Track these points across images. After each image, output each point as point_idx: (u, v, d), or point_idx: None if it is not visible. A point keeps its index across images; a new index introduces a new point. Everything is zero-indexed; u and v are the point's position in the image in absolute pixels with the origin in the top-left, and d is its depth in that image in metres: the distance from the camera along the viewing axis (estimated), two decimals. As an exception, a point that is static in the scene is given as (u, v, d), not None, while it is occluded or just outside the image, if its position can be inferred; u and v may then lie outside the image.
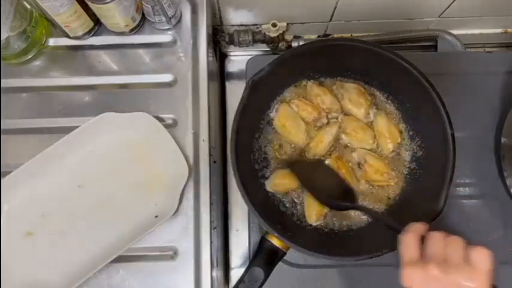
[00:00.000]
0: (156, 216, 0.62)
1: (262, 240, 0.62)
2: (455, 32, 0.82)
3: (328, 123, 0.67)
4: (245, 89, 0.59)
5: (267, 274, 0.60)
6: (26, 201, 0.62)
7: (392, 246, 0.53)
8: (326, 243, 0.62)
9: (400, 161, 0.66)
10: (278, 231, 0.57)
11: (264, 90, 0.62)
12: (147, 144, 0.64)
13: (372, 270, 0.68)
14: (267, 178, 0.65)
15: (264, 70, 0.59)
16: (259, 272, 0.60)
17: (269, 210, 0.62)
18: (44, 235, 0.62)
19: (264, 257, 0.61)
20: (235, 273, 0.73)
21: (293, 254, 0.66)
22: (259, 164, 0.66)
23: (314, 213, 0.63)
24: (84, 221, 0.62)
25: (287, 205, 0.65)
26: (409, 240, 0.46)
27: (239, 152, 0.58)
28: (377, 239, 0.60)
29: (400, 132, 0.66)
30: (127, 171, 0.64)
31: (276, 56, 0.61)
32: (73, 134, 0.62)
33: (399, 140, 0.66)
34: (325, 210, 0.63)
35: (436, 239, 0.44)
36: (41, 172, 0.62)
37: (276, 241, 0.61)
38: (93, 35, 0.68)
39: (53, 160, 0.62)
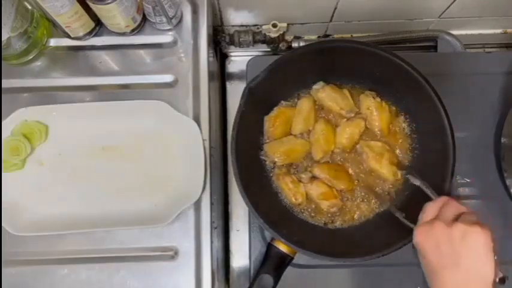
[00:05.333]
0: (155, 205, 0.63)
1: (269, 247, 0.62)
2: (455, 32, 0.82)
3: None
4: (242, 96, 0.60)
5: (276, 280, 0.61)
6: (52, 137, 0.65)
7: (399, 243, 0.54)
8: (333, 243, 0.62)
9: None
10: (285, 237, 0.57)
11: (263, 94, 0.62)
12: (182, 152, 0.64)
13: (374, 270, 0.68)
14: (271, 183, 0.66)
15: (259, 76, 0.60)
16: (268, 279, 0.60)
17: (274, 213, 0.62)
18: (54, 171, 0.64)
19: (272, 263, 0.61)
20: (236, 274, 0.73)
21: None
22: (262, 168, 0.66)
23: (320, 150, 0.65)
24: (92, 181, 0.64)
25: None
26: (428, 208, 0.50)
27: (240, 160, 0.58)
28: (384, 236, 0.60)
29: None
30: (150, 161, 0.64)
31: (275, 57, 0.61)
32: (125, 103, 0.64)
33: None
34: (331, 149, 0.66)
35: (450, 205, 0.48)
36: (78, 117, 0.64)
37: (283, 246, 0.61)
38: (94, 36, 0.68)
39: (94, 113, 0.64)
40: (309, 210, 0.65)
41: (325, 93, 0.66)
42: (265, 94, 0.63)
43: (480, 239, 0.43)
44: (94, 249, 0.62)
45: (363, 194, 0.66)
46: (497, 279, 0.44)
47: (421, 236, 0.47)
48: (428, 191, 0.54)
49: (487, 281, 0.43)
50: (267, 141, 0.67)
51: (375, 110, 0.66)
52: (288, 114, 0.67)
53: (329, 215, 0.65)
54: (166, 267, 0.61)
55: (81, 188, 0.64)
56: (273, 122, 0.66)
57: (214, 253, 0.63)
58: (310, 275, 0.67)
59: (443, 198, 0.50)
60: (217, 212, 0.69)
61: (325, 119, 0.68)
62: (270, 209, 0.61)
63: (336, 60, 0.64)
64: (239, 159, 0.58)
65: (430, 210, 0.49)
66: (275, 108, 0.67)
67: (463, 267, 0.43)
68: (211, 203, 0.63)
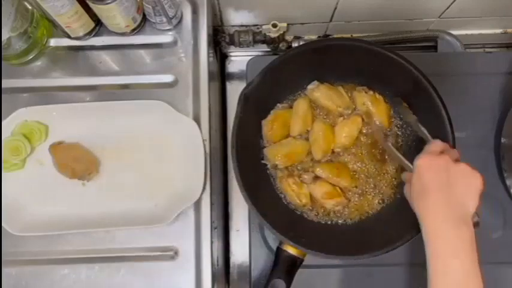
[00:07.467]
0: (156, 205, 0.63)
1: (278, 251, 0.62)
2: (455, 32, 0.82)
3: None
4: (238, 103, 0.60)
5: (288, 284, 0.60)
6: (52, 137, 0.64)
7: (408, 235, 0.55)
8: (343, 242, 0.62)
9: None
10: (294, 240, 0.57)
11: (259, 99, 0.62)
12: (182, 152, 0.64)
13: (374, 270, 0.68)
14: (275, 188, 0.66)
15: (254, 82, 0.60)
16: (280, 283, 0.60)
17: (281, 217, 0.62)
18: (54, 171, 0.63)
19: (283, 267, 0.61)
20: (236, 274, 0.73)
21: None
22: (265, 173, 0.66)
23: (319, 150, 0.65)
24: (92, 181, 0.64)
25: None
26: (436, 144, 0.53)
27: (243, 168, 0.58)
28: (394, 228, 0.60)
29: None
30: (150, 161, 0.64)
31: (275, 57, 0.61)
32: (125, 103, 0.64)
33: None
34: (331, 148, 0.66)
35: (454, 151, 0.53)
36: (78, 117, 0.64)
37: (292, 250, 0.61)
38: (94, 36, 0.68)
39: (94, 113, 0.64)
40: (315, 210, 0.66)
41: (320, 92, 0.66)
42: (261, 98, 0.63)
43: (477, 181, 0.49)
44: (94, 249, 0.62)
45: (367, 189, 0.66)
46: (474, 220, 0.49)
47: (425, 161, 0.50)
48: (425, 132, 0.58)
49: (467, 211, 0.48)
50: (267, 145, 0.67)
51: (371, 104, 0.66)
52: (285, 116, 0.67)
53: (335, 214, 0.65)
54: (166, 267, 0.61)
55: (81, 188, 0.64)
56: (270, 126, 0.66)
57: (214, 253, 0.63)
58: (310, 275, 0.67)
59: (448, 144, 0.54)
60: (217, 212, 0.69)
61: (323, 118, 0.68)
62: (277, 213, 0.62)
63: (330, 59, 0.64)
64: (241, 166, 0.58)
65: (436, 145, 0.53)
66: (271, 112, 0.67)
67: (452, 194, 0.48)
68: (211, 203, 0.63)
